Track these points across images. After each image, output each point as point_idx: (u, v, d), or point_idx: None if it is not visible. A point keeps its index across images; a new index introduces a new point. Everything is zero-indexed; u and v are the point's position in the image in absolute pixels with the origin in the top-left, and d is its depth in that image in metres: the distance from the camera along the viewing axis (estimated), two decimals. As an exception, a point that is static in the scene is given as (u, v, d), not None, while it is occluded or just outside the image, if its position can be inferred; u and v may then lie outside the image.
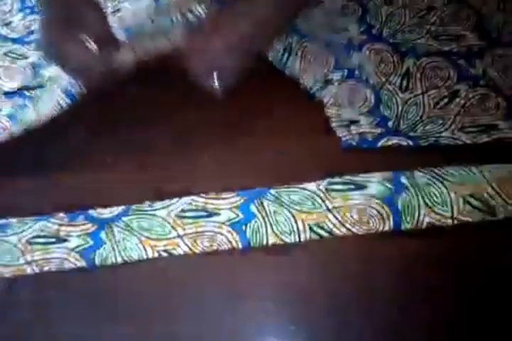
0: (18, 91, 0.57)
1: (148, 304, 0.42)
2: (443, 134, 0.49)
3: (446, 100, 0.52)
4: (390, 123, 0.51)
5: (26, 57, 0.61)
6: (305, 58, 0.55)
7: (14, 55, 0.61)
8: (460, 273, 0.43)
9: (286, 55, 0.56)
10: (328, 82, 0.54)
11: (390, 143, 0.49)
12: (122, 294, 0.43)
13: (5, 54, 0.61)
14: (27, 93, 0.57)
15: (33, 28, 0.64)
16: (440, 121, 0.51)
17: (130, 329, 0.41)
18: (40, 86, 0.57)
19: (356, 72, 0.54)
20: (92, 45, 0.43)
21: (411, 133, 0.50)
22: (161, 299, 0.43)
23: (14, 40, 0.63)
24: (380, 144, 0.50)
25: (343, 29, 0.57)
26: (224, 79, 0.44)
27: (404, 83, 0.53)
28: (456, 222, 0.44)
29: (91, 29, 0.44)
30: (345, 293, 0.42)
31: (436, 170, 0.47)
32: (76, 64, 0.43)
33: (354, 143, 0.50)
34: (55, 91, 0.51)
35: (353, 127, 0.51)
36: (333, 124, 0.51)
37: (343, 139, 0.50)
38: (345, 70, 0.54)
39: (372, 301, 0.42)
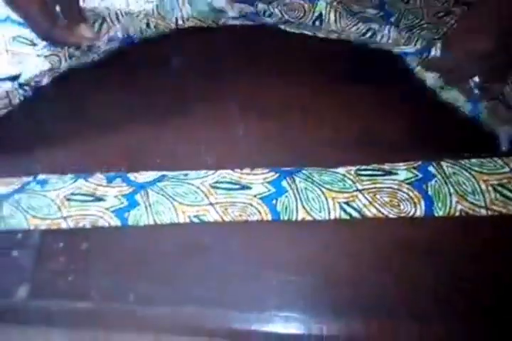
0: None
1: (174, 266, 0.43)
2: None
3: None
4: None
5: (34, 44, 0.56)
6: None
7: (22, 40, 0.57)
8: (494, 264, 0.43)
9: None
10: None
11: None
12: (151, 255, 0.44)
13: (13, 39, 0.57)
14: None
15: None
16: None
17: (153, 289, 0.42)
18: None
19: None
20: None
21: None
22: (187, 262, 0.43)
23: (23, 25, 0.58)
24: None
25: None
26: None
27: None
28: (490, 212, 0.45)
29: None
30: (367, 273, 0.43)
31: (461, 161, 0.47)
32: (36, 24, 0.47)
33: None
34: None
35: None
36: None
37: None
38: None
39: (394, 282, 0.42)
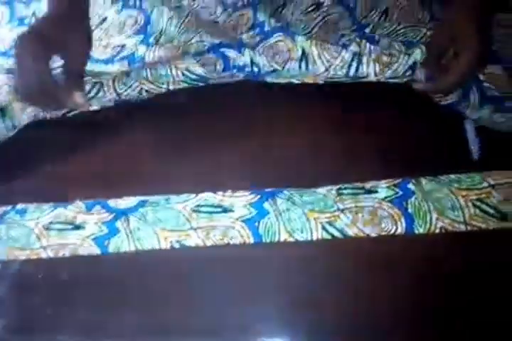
0: None
1: (157, 293, 0.43)
2: None
3: None
4: None
5: (10, 72, 0.57)
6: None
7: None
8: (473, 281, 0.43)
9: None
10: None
11: None
12: (132, 282, 0.43)
13: None
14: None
15: None
16: None
17: (137, 317, 0.41)
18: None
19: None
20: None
21: None
22: (170, 288, 0.43)
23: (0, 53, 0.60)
24: None
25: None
26: None
27: None
28: (469, 227, 0.45)
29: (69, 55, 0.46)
30: (351, 296, 0.43)
31: (440, 177, 0.48)
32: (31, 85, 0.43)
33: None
34: None
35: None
36: None
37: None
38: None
39: (379, 305, 0.42)
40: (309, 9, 0.61)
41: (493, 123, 0.51)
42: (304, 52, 0.55)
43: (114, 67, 0.57)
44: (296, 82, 0.56)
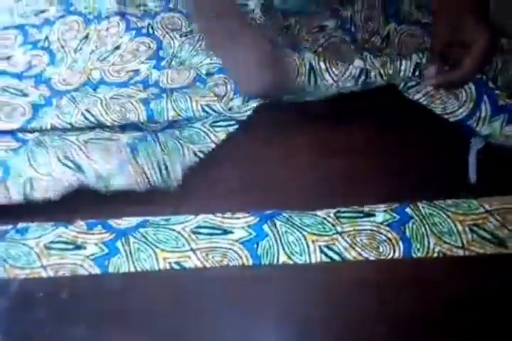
0: (12, 133, 0.54)
1: (156, 314, 0.43)
2: None
3: None
4: None
5: (25, 95, 0.59)
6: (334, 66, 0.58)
7: (12, 91, 0.59)
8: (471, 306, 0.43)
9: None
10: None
11: None
12: (131, 302, 0.43)
13: (3, 89, 0.59)
14: (21, 135, 0.54)
15: (33, 63, 0.63)
16: None
17: (135, 337, 0.42)
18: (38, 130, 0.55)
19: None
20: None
21: None
22: (169, 310, 0.43)
23: (13, 75, 0.61)
24: None
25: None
26: None
27: None
28: (468, 252, 0.45)
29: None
30: (348, 319, 0.43)
31: (437, 202, 0.49)
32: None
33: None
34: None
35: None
36: None
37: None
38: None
39: (378, 329, 0.42)
40: (314, 30, 0.63)
41: (504, 137, 0.52)
42: (311, 66, 0.57)
43: (130, 90, 0.58)
44: (309, 99, 0.58)
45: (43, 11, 0.69)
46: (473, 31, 0.47)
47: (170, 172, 0.51)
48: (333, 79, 0.56)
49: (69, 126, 0.54)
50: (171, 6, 0.69)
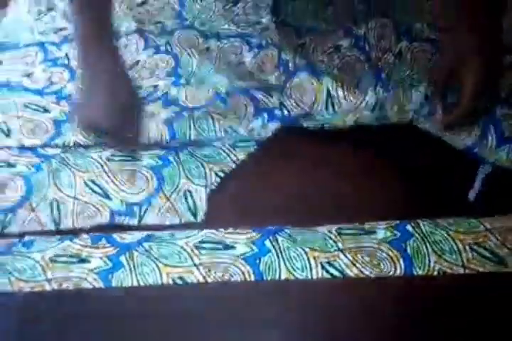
0: (32, 149, 0.56)
1: (158, 327, 0.43)
2: None
3: None
4: None
5: (47, 110, 0.60)
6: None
7: (34, 107, 0.61)
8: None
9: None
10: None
11: None
12: (134, 315, 0.44)
13: (25, 105, 0.61)
14: (42, 151, 0.56)
15: (53, 80, 0.65)
16: None
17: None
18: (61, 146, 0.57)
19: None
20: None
21: None
22: (171, 323, 0.43)
23: (34, 92, 0.63)
24: None
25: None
26: None
27: None
28: (468, 270, 0.46)
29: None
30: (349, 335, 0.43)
31: (438, 220, 0.49)
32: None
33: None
34: None
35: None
36: None
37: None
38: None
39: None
40: (329, 51, 0.65)
41: (510, 163, 0.53)
42: (329, 93, 0.58)
43: (150, 107, 0.59)
44: (327, 126, 0.59)
45: (61, 29, 0.71)
46: (468, 70, 0.47)
47: (196, 203, 0.52)
48: (350, 109, 0.58)
49: (92, 143, 0.56)
50: (187, 23, 0.71)
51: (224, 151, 0.57)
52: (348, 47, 0.65)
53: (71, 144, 0.56)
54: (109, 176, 0.53)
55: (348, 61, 0.64)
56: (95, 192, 0.52)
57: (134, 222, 0.51)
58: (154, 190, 0.53)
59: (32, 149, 0.56)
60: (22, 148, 0.57)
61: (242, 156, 0.57)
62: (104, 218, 0.51)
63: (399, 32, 0.68)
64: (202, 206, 0.52)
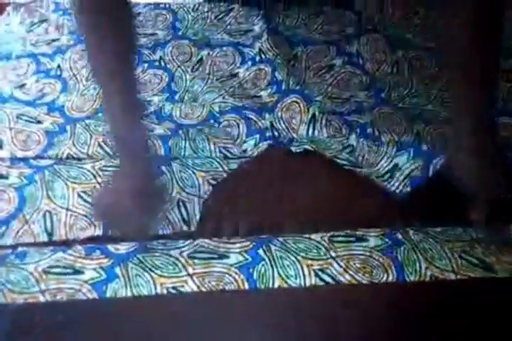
0: (26, 160, 0.56)
1: (152, 338, 0.43)
2: None
3: None
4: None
5: (39, 121, 0.61)
6: (329, 127, 0.60)
7: (26, 118, 0.61)
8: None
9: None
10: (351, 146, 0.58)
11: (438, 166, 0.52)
12: (128, 327, 0.44)
13: (17, 117, 0.61)
14: (34, 162, 0.56)
15: (45, 91, 0.66)
16: None
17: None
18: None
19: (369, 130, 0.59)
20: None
21: None
22: (165, 333, 0.43)
23: (26, 103, 0.63)
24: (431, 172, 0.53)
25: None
26: None
27: None
28: (459, 276, 0.46)
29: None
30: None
31: (426, 229, 0.50)
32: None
33: (409, 189, 0.53)
34: None
35: (397, 174, 0.54)
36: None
37: (398, 191, 0.53)
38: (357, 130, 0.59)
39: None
40: (322, 71, 0.66)
41: None
42: (314, 116, 0.60)
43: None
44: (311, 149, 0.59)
45: (54, 40, 0.72)
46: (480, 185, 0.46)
47: (190, 213, 0.53)
48: (328, 137, 0.59)
49: (85, 156, 0.56)
50: (180, 33, 0.72)
51: (217, 162, 0.57)
52: (341, 65, 0.67)
53: (64, 156, 0.56)
54: (101, 187, 0.53)
55: (342, 77, 0.66)
56: (88, 203, 0.52)
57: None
58: None
59: (24, 160, 0.56)
60: (14, 159, 0.57)
61: (233, 166, 0.57)
62: (97, 230, 0.51)
63: (392, 43, 0.70)
64: (195, 215, 0.53)
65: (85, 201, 0.52)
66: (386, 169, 0.55)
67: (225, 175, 0.56)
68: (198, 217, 0.52)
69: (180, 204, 0.53)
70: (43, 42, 0.71)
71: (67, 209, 0.52)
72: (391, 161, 0.55)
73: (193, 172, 0.55)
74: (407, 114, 0.62)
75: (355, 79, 0.65)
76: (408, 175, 0.53)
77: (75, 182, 0.54)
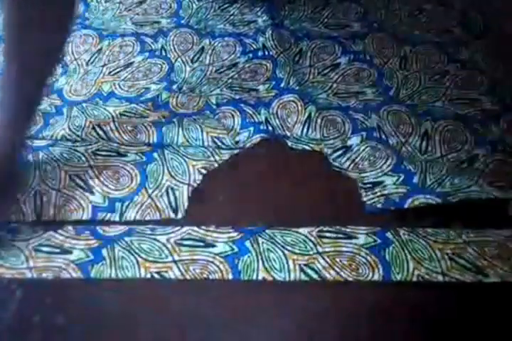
0: None
1: (133, 321, 0.44)
2: (472, 188, 0.51)
3: (465, 164, 0.55)
4: (415, 179, 0.52)
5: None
6: (324, 127, 0.59)
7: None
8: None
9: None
10: (346, 147, 0.57)
11: (417, 202, 0.51)
12: (111, 308, 0.44)
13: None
14: (29, 142, 0.56)
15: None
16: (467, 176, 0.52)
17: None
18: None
19: (375, 134, 0.58)
20: None
21: (438, 189, 0.51)
22: (145, 317, 0.44)
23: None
24: (407, 205, 0.51)
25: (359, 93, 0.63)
26: None
27: (424, 145, 0.57)
28: (447, 278, 0.46)
29: None
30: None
31: (417, 230, 0.49)
32: None
33: (379, 206, 0.52)
34: None
35: (377, 189, 0.53)
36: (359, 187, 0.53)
37: (368, 203, 0.52)
38: (363, 133, 0.58)
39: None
40: (327, 70, 0.65)
41: None
42: (310, 117, 0.59)
43: (139, 107, 0.60)
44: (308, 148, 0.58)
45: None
46: None
47: (178, 200, 0.52)
48: (321, 138, 0.58)
49: (79, 139, 0.57)
50: (183, 22, 0.72)
51: (209, 151, 0.57)
52: (347, 63, 0.66)
53: (58, 138, 0.57)
54: (93, 171, 0.54)
55: (348, 74, 0.65)
56: (79, 186, 0.53)
57: (116, 217, 0.51)
58: (137, 186, 0.53)
59: None
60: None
61: (225, 157, 0.57)
62: (86, 213, 0.52)
63: (399, 39, 0.69)
64: (183, 203, 0.53)
65: (76, 184, 0.53)
66: (371, 180, 0.54)
67: (216, 164, 0.56)
68: (186, 204, 0.52)
69: (169, 191, 0.53)
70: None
71: (58, 191, 0.52)
72: (380, 176, 0.54)
73: (184, 161, 0.55)
74: (414, 111, 0.60)
75: (363, 74, 0.64)
76: (386, 195, 0.52)
77: (66, 165, 0.54)
